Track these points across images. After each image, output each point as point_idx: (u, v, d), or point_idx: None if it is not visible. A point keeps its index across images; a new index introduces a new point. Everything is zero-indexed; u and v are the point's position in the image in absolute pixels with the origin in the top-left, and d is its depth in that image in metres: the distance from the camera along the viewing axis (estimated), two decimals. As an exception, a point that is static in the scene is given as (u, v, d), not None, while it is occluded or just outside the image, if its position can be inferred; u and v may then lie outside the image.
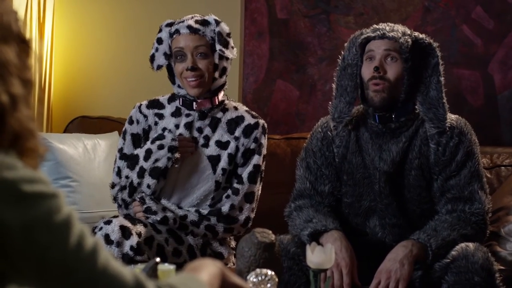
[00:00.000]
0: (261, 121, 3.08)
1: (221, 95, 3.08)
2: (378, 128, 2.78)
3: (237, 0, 4.01)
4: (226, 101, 3.10)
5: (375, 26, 2.81)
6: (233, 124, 3.05)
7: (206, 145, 3.03)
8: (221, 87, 3.06)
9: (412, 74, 2.72)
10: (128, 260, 2.76)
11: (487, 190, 2.76)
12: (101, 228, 2.80)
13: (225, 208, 3.00)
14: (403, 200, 2.77)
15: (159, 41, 3.04)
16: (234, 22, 4.00)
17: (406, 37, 2.72)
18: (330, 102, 2.87)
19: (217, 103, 3.06)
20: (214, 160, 3.02)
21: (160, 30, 3.05)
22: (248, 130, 3.04)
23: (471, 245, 2.57)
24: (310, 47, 3.90)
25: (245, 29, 4.01)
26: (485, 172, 3.15)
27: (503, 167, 3.24)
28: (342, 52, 2.86)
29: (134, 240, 2.79)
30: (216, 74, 2.99)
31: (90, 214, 3.39)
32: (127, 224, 2.83)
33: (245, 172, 3.03)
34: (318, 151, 2.89)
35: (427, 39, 2.77)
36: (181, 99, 3.07)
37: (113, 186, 3.07)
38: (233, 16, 4.00)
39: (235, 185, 3.02)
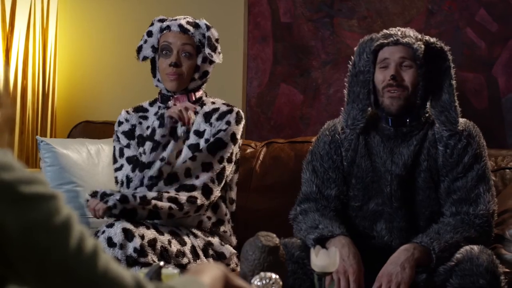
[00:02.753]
0: (236, 109, 3.14)
1: (199, 94, 3.17)
2: (390, 131, 2.79)
3: (240, 5, 4.01)
4: (204, 98, 3.19)
5: (385, 31, 2.82)
6: (209, 115, 3.12)
7: (186, 136, 3.09)
8: (199, 87, 3.16)
9: (426, 79, 2.74)
10: (132, 262, 2.77)
11: (494, 193, 2.76)
12: (103, 231, 2.81)
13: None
14: (413, 203, 2.77)
15: (149, 33, 3.15)
16: (237, 26, 4.00)
17: (419, 43, 2.74)
18: (342, 108, 2.88)
19: (193, 99, 3.14)
20: (194, 149, 3.08)
21: (152, 24, 3.17)
22: (222, 115, 3.10)
23: (475, 247, 2.57)
24: (313, 51, 3.89)
25: (248, 33, 4.01)
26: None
27: (507, 170, 3.23)
28: (352, 58, 2.87)
29: (137, 242, 2.80)
30: (196, 76, 3.10)
31: (94, 219, 3.39)
32: (130, 226, 2.84)
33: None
34: (325, 155, 2.88)
35: (438, 43, 2.79)
36: (159, 95, 3.19)
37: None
38: (236, 20, 4.00)
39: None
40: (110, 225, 2.83)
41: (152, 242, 2.86)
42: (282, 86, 3.95)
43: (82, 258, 1.19)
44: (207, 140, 3.07)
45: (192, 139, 3.10)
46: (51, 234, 1.17)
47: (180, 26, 3.07)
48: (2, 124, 1.30)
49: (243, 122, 3.14)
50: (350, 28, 3.81)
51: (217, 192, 3.04)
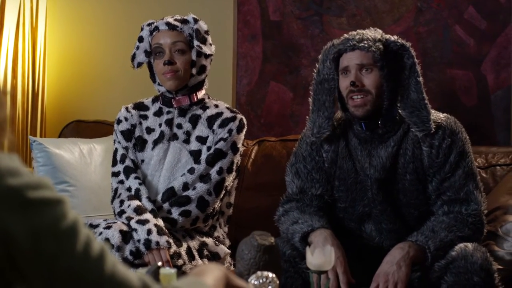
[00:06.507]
0: (239, 116, 3.12)
1: (201, 93, 3.14)
2: (365, 134, 2.77)
3: (229, 3, 4.01)
4: (207, 100, 3.17)
5: (345, 36, 2.78)
6: (212, 120, 3.10)
7: (187, 140, 3.08)
8: (200, 85, 3.12)
9: (390, 79, 2.69)
10: (128, 264, 2.77)
11: (482, 187, 2.76)
12: (101, 233, 2.82)
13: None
14: (399, 205, 2.76)
15: (140, 39, 3.13)
16: (227, 25, 4.01)
17: (378, 44, 2.69)
18: (307, 117, 2.86)
19: (195, 100, 3.12)
20: (196, 155, 3.06)
21: (142, 29, 3.14)
22: (225, 122, 3.08)
23: (470, 245, 2.57)
24: (303, 49, 3.91)
25: (238, 31, 4.01)
26: (481, 172, 3.17)
27: (498, 167, 3.24)
28: (317, 65, 2.84)
29: (133, 244, 2.81)
30: (193, 71, 3.06)
31: (88, 219, 3.39)
32: (127, 228, 2.85)
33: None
34: (308, 156, 2.88)
35: (399, 40, 2.73)
36: (161, 97, 3.15)
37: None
38: (226, 19, 4.01)
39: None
40: (108, 227, 2.84)
41: None
42: (272, 84, 3.96)
43: (89, 262, 1.20)
44: (209, 148, 3.04)
45: (194, 144, 3.07)
46: (59, 239, 1.18)
47: (168, 24, 3.05)
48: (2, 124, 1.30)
49: (245, 130, 3.11)
50: (339, 26, 3.83)
51: (214, 204, 3.02)
